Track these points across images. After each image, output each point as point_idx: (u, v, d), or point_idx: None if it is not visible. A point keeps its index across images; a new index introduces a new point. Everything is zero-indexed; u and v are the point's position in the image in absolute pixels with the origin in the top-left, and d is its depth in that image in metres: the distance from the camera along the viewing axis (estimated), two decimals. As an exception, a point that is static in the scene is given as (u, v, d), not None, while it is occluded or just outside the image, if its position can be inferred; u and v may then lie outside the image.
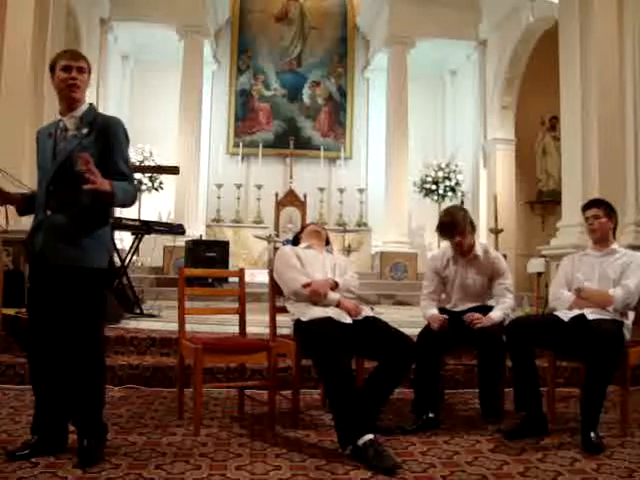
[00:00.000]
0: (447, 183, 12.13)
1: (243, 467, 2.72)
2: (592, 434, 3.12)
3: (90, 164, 2.60)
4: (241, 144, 12.93)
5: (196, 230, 11.03)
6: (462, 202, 11.71)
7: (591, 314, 3.41)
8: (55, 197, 2.82)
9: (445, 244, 4.09)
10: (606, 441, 3.19)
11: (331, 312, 3.43)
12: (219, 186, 12.34)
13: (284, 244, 6.34)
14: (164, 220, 11.42)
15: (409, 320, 6.25)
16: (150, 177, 11.76)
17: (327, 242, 4.05)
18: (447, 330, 3.65)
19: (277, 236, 10.75)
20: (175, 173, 8.97)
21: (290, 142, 12.66)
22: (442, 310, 3.89)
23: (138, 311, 6.19)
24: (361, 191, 12.81)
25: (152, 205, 12.02)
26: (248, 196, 12.74)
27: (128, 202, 2.89)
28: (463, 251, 3.87)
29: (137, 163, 10.92)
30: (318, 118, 13.42)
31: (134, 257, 6.78)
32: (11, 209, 3.13)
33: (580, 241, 6.06)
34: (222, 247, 10.33)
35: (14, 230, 4.94)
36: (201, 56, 12.01)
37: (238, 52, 13.37)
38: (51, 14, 6.97)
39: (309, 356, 3.44)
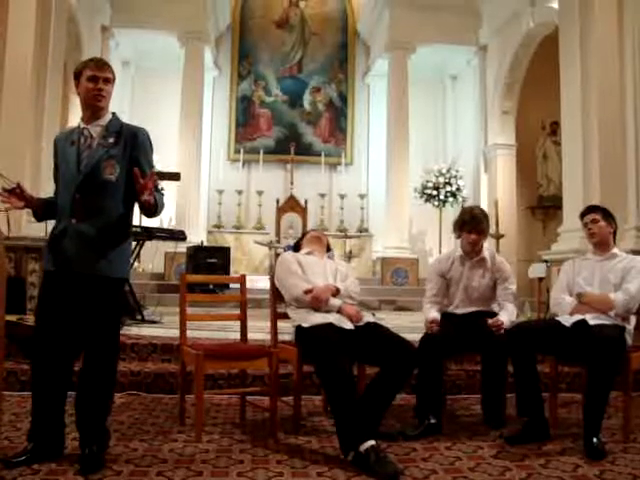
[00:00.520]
0: (448, 189, 12.12)
1: (245, 474, 2.72)
2: (594, 440, 3.11)
3: (146, 177, 2.72)
4: (242, 150, 12.94)
5: (197, 236, 11.03)
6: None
7: (592, 319, 3.40)
8: (81, 205, 2.83)
9: (451, 249, 4.11)
10: (609, 447, 3.18)
11: (332, 318, 3.43)
12: (220, 192, 12.36)
13: (285, 250, 6.33)
14: (165, 226, 11.40)
15: (410, 325, 6.25)
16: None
17: (328, 248, 4.06)
18: (451, 331, 3.66)
19: (278, 242, 10.74)
20: (176, 179, 8.96)
21: (291, 148, 12.66)
22: (445, 314, 3.89)
23: (139, 317, 6.18)
24: (362, 197, 12.81)
25: (153, 211, 11.98)
26: (249, 202, 12.76)
27: (159, 212, 2.96)
28: (474, 250, 3.89)
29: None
30: (319, 124, 13.43)
31: (135, 263, 6.78)
32: (14, 215, 3.13)
33: (581, 246, 6.06)
34: (223, 253, 10.32)
35: (16, 237, 4.95)
36: (202, 62, 12.06)
37: (239, 58, 13.40)
38: (53, 21, 6.98)
39: (310, 362, 3.43)
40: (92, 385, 2.83)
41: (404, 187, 11.91)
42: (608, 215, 3.75)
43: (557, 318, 3.64)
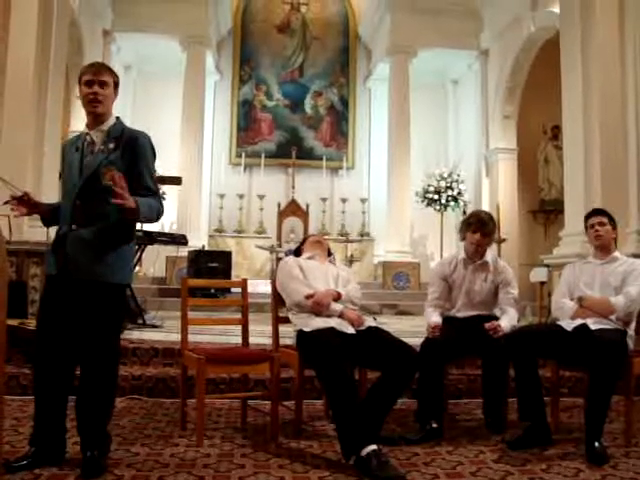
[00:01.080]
0: (449, 193, 12.11)
1: (246, 478, 2.72)
2: (596, 444, 3.10)
3: (117, 179, 2.64)
4: (243, 154, 12.95)
5: (198, 240, 11.02)
6: (464, 212, 11.70)
7: (594, 324, 3.40)
8: (81, 211, 2.84)
9: (453, 252, 4.11)
10: (610, 451, 3.17)
11: (334, 322, 3.43)
12: (221, 196, 12.37)
13: (286, 254, 6.33)
14: (166, 230, 11.41)
15: (412, 330, 6.24)
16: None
17: (329, 253, 4.05)
18: (452, 336, 3.66)
19: (279, 246, 10.75)
20: (177, 183, 8.99)
21: (292, 152, 12.66)
22: (446, 318, 3.89)
23: (141, 322, 6.18)
24: (363, 201, 12.80)
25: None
26: (250, 206, 12.77)
27: (154, 217, 2.92)
28: (477, 252, 3.89)
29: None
30: (320, 128, 13.45)
31: (137, 267, 6.78)
32: (15, 220, 3.15)
33: (583, 250, 6.06)
34: (224, 257, 10.31)
35: (18, 241, 4.95)
36: (203, 67, 12.07)
37: (240, 62, 13.42)
38: (54, 25, 6.98)
39: (312, 367, 3.43)
40: (92, 390, 2.83)
41: (405, 191, 11.90)
42: (612, 220, 3.77)
43: (558, 322, 3.65)
